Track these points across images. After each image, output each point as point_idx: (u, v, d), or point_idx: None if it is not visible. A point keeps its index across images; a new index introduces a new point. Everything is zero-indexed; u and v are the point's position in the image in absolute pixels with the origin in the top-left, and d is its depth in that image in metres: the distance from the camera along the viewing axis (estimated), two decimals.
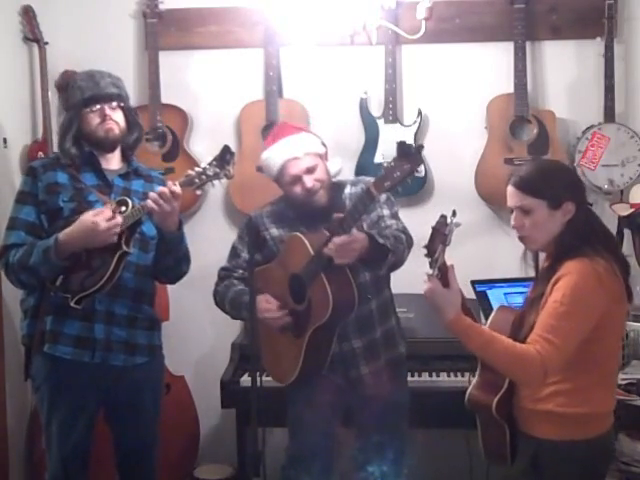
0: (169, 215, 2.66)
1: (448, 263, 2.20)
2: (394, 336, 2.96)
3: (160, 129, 3.74)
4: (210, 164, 2.62)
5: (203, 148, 3.78)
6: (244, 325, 3.68)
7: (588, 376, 2.24)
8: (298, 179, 2.81)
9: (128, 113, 2.84)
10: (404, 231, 2.85)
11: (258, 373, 2.49)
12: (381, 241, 2.68)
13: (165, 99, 3.74)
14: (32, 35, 3.64)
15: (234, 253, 3.00)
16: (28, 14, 3.63)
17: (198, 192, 2.69)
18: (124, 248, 2.63)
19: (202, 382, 3.79)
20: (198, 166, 2.67)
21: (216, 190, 3.76)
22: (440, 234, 2.14)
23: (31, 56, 3.72)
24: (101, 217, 2.58)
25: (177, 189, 2.62)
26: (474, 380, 2.44)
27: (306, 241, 2.73)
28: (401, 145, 2.48)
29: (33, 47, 3.69)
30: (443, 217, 2.16)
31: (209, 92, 3.85)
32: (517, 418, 2.34)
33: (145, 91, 3.77)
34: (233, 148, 3.71)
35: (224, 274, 3.00)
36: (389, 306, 2.96)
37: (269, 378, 3.17)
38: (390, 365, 2.93)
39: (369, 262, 2.71)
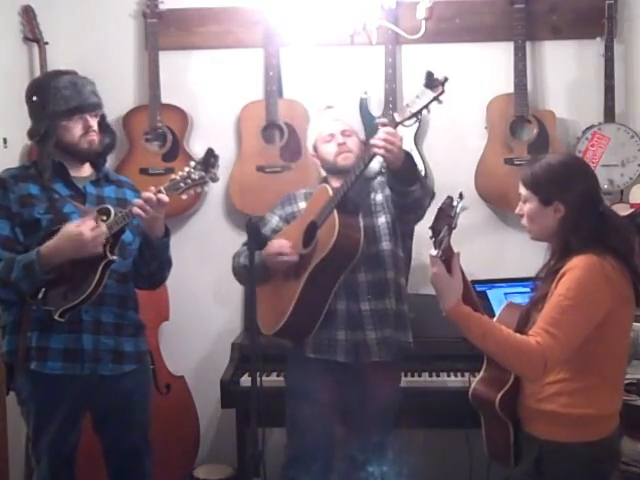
0: (156, 221, 2.63)
1: (455, 250, 2.21)
2: (406, 322, 2.97)
3: (160, 129, 3.74)
4: (194, 167, 2.56)
5: (203, 148, 3.71)
6: (244, 321, 3.69)
7: (591, 377, 2.23)
8: (332, 137, 2.96)
9: (102, 120, 2.79)
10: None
11: (258, 373, 2.49)
12: (415, 161, 2.76)
13: (165, 99, 3.74)
14: (32, 35, 3.63)
15: (262, 222, 3.06)
16: (28, 14, 3.63)
17: (184, 197, 2.61)
18: (109, 256, 2.58)
19: (202, 382, 3.79)
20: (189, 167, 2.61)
21: (216, 190, 3.80)
22: (445, 215, 2.15)
23: (31, 56, 3.71)
24: (85, 227, 2.54)
25: (164, 197, 2.57)
26: (479, 375, 2.44)
27: (329, 188, 2.86)
28: (428, 75, 2.53)
29: (33, 47, 3.68)
30: (449, 198, 2.17)
31: (209, 92, 3.85)
32: (521, 417, 2.34)
33: (145, 91, 3.77)
34: (233, 148, 3.80)
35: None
36: (403, 292, 2.98)
37: (269, 378, 3.19)
38: (399, 351, 2.93)
39: (400, 175, 2.71)
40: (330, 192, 2.84)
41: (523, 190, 2.34)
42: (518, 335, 2.18)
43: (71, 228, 2.55)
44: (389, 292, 2.91)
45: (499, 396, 2.31)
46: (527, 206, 2.34)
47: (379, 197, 2.98)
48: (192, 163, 2.57)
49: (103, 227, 2.56)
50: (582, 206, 2.27)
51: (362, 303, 2.89)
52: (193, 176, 2.55)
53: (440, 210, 2.17)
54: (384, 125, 2.64)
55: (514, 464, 2.36)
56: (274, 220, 3.06)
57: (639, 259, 3.38)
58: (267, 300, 2.95)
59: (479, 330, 2.17)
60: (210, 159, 2.56)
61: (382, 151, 2.61)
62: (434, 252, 2.17)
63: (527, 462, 2.30)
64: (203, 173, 2.55)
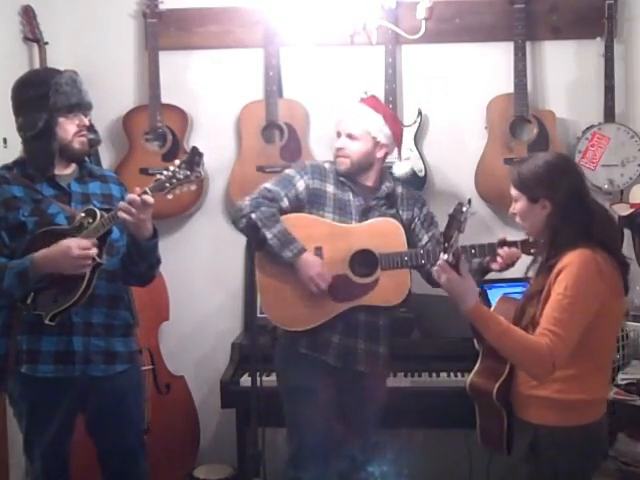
0: (143, 223, 2.57)
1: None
2: (388, 335, 3.03)
3: (160, 129, 3.74)
4: (179, 167, 2.51)
5: (203, 148, 3.73)
6: (244, 319, 3.68)
7: (583, 364, 2.29)
8: (339, 136, 3.04)
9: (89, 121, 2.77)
10: None
11: (258, 373, 2.49)
12: None
13: (165, 99, 3.73)
14: (32, 35, 3.63)
15: (288, 181, 3.02)
16: (28, 14, 3.63)
17: (169, 196, 2.54)
18: (97, 260, 2.55)
19: (202, 382, 3.79)
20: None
21: (216, 190, 3.80)
22: (456, 221, 2.23)
23: (31, 56, 3.71)
24: (76, 243, 2.50)
25: (149, 199, 2.52)
26: (475, 367, 2.49)
27: (404, 235, 2.95)
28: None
29: (33, 47, 3.68)
30: (459, 204, 2.25)
31: (209, 92, 3.85)
32: (514, 404, 2.39)
33: (145, 91, 3.77)
34: (233, 148, 3.80)
35: (271, 196, 2.98)
36: (390, 307, 3.03)
37: (269, 378, 3.19)
38: (383, 364, 3.01)
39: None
40: (404, 243, 2.93)
41: (513, 191, 2.43)
42: (530, 336, 2.25)
43: (64, 241, 2.52)
44: (379, 312, 2.98)
45: (496, 387, 2.37)
46: (518, 205, 2.42)
47: (405, 215, 3.04)
48: (177, 162, 2.54)
49: (94, 250, 2.52)
50: (567, 202, 2.34)
51: (359, 313, 2.94)
52: (178, 175, 2.51)
53: (451, 217, 2.25)
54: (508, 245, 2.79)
55: (507, 451, 2.42)
56: (300, 186, 3.00)
57: (637, 253, 3.44)
58: (280, 291, 2.96)
59: (498, 329, 2.24)
60: (195, 158, 2.52)
61: (498, 267, 2.82)
62: (445, 257, 2.24)
63: (522, 448, 2.35)
64: (188, 172, 2.51)
